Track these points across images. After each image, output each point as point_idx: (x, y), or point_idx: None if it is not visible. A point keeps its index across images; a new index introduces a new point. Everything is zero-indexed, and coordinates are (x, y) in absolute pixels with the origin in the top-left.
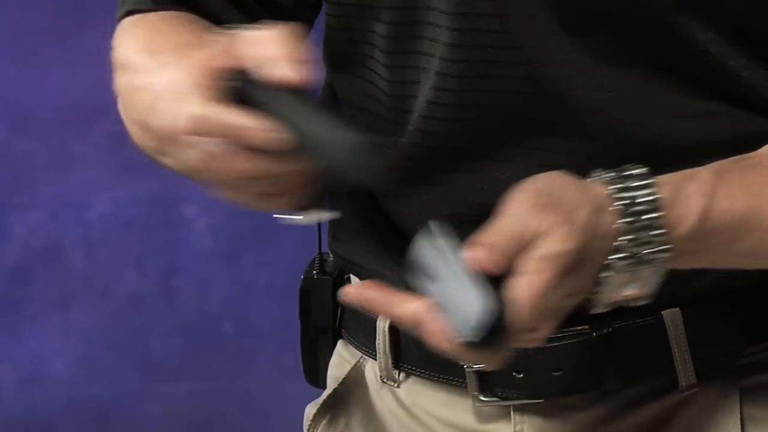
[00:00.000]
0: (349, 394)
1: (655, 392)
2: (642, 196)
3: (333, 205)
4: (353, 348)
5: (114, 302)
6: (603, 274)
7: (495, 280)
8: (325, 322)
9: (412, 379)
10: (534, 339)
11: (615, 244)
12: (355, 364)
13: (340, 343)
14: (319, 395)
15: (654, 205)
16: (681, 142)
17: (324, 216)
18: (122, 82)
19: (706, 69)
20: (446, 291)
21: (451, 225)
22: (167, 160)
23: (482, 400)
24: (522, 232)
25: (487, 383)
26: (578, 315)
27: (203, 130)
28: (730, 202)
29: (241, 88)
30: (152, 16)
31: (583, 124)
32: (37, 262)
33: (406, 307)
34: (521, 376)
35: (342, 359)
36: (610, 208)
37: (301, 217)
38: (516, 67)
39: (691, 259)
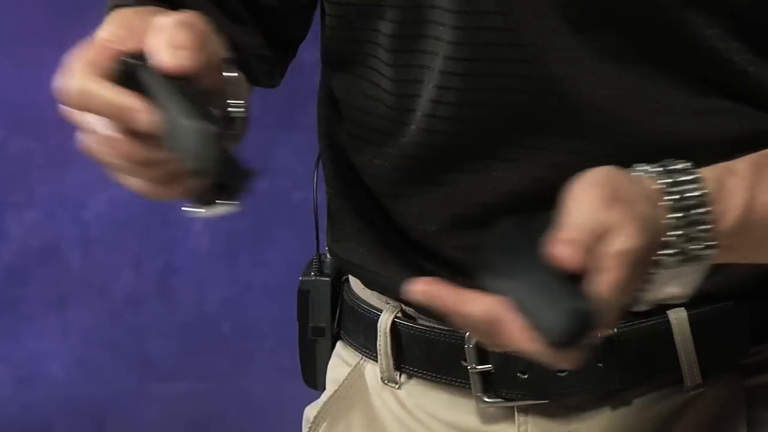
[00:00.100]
0: (350, 397)
1: (660, 392)
2: (691, 190)
3: (227, 197)
4: (353, 350)
5: (111, 302)
6: (653, 271)
7: (574, 278)
8: (324, 323)
9: (413, 381)
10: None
11: (664, 239)
12: (355, 366)
13: (338, 345)
14: (318, 395)
15: (702, 200)
16: (686, 140)
17: (222, 209)
18: None
19: (712, 65)
20: (527, 289)
21: (526, 220)
22: None
23: (486, 401)
24: (596, 228)
25: (490, 384)
26: None
27: (83, 104)
28: None
29: (131, 71)
30: (129, 9)
31: (587, 123)
32: (34, 262)
33: (479, 304)
34: (526, 376)
35: (341, 361)
36: (660, 203)
37: (203, 210)
38: (521, 65)
39: (730, 254)
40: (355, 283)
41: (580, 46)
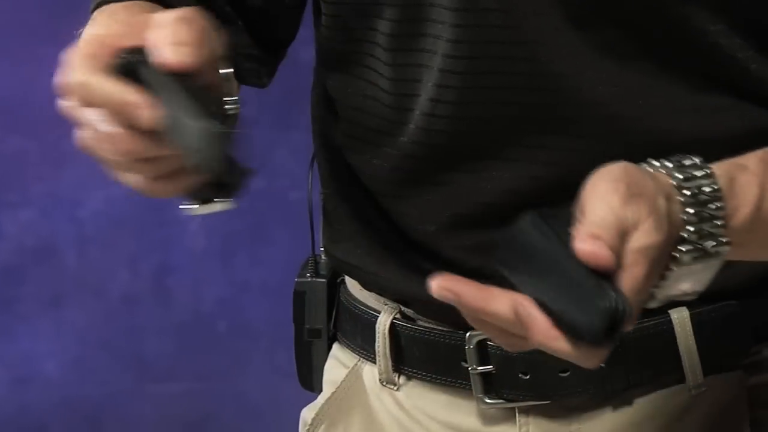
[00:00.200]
0: (347, 399)
1: (662, 392)
2: (705, 185)
3: (223, 194)
4: (350, 351)
5: (107, 301)
6: (670, 267)
7: (601, 275)
8: (320, 325)
9: (412, 382)
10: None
11: (681, 234)
12: (353, 368)
13: (335, 347)
14: (314, 397)
15: (716, 195)
16: (688, 137)
17: (218, 206)
18: None
19: (715, 62)
20: (555, 286)
21: (551, 215)
22: None
23: (487, 402)
24: (620, 224)
25: (491, 385)
26: None
27: (85, 98)
28: None
29: (131, 67)
30: (117, 4)
31: (588, 120)
32: (29, 261)
33: (505, 302)
34: (527, 377)
35: (338, 363)
36: (677, 198)
37: (199, 207)
38: (521, 63)
39: (741, 251)
40: (352, 284)
41: (581, 43)
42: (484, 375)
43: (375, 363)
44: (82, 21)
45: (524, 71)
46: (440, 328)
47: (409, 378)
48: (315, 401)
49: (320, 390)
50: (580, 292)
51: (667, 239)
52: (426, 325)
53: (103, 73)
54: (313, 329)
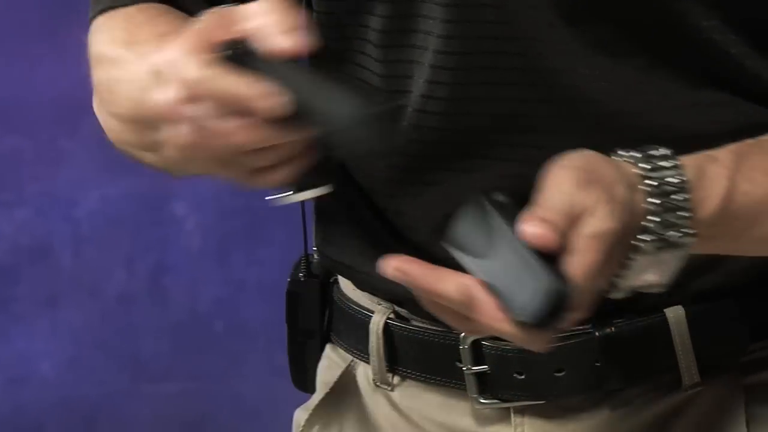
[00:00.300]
0: (341, 400)
1: (658, 392)
2: (670, 176)
3: (324, 179)
4: (343, 351)
5: (103, 301)
6: (630, 256)
7: (548, 259)
8: (313, 325)
9: (407, 383)
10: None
11: (643, 224)
12: (346, 368)
13: (328, 347)
14: (309, 396)
15: (682, 187)
16: (682, 133)
17: (316, 192)
18: (100, 76)
19: (709, 58)
20: (501, 268)
21: (501, 197)
22: (149, 156)
23: (482, 403)
24: (570, 209)
25: (486, 385)
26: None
27: (199, 95)
28: (751, 186)
29: (237, 59)
30: (127, 9)
31: (582, 117)
32: (25, 261)
33: (453, 282)
34: (523, 377)
35: (331, 363)
36: (640, 187)
37: (294, 194)
38: (514, 59)
39: (710, 244)
40: (345, 284)
41: (575, 39)
42: (478, 375)
43: (369, 363)
44: (78, 21)
45: (517, 67)
46: (434, 327)
47: (403, 378)
48: (308, 402)
49: (314, 390)
50: (525, 274)
51: (625, 228)
52: (420, 325)
53: (218, 66)
54: (306, 329)
